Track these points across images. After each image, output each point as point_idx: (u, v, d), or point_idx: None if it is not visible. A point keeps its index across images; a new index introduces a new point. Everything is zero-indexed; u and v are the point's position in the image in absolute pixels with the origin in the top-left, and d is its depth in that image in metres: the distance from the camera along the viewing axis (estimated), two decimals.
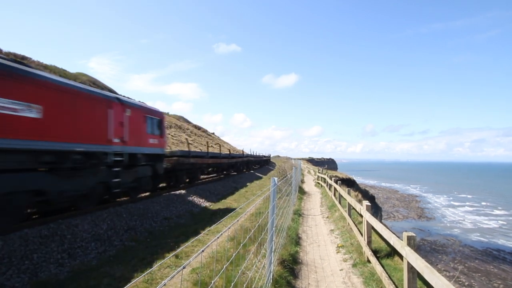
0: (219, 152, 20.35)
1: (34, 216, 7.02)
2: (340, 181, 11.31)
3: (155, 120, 10.36)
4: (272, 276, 4.13)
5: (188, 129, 47.72)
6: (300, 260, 5.69)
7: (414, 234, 3.21)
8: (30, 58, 27.91)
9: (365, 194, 32.41)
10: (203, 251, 1.77)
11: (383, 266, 4.37)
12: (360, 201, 6.46)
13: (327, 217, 9.92)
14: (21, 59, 26.12)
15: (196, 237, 2.75)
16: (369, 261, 5.07)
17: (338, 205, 10.00)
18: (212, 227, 3.31)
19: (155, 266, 2.05)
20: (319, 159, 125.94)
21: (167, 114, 53.23)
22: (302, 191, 16.45)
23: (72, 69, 35.84)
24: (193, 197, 11.27)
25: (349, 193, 7.87)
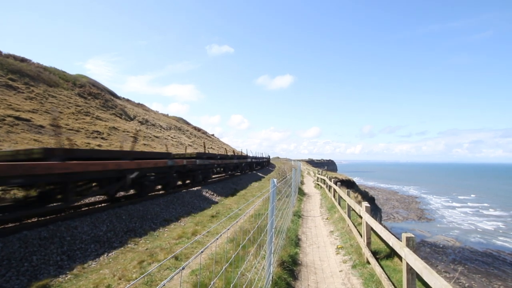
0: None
1: (33, 218, 7.01)
2: (339, 183, 11.32)
3: None
4: (272, 277, 4.13)
5: (187, 130, 47.74)
6: (299, 262, 5.69)
7: (412, 235, 3.22)
8: (30, 60, 27.94)
9: (365, 195, 32.42)
10: (202, 252, 1.78)
11: (382, 267, 4.37)
12: (359, 203, 6.47)
13: (327, 219, 9.92)
14: (21, 61, 26.14)
15: (196, 239, 2.76)
16: (368, 262, 5.08)
17: (338, 207, 10.00)
18: (211, 228, 3.32)
19: (155, 268, 2.06)
20: (319, 160, 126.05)
21: (167, 115, 53.26)
22: (301, 193, 16.46)
23: (69, 70, 35.87)
24: (192, 199, 11.27)
25: (348, 195, 7.88)
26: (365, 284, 4.52)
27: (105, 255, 5.72)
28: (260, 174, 27.73)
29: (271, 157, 64.59)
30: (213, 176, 18.26)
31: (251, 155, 35.29)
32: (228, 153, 25.09)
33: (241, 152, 38.90)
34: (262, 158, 39.72)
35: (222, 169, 19.67)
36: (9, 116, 15.56)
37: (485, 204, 52.01)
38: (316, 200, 14.68)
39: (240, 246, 3.26)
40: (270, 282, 4.01)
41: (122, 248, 6.12)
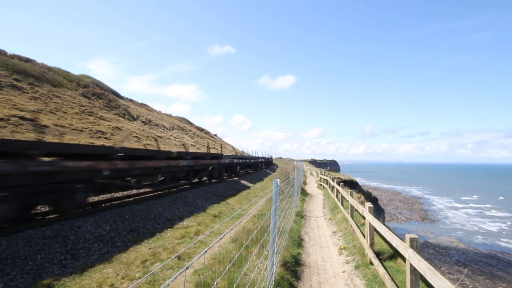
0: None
1: (37, 217, 7.07)
2: (342, 183, 11.28)
3: None
4: (274, 278, 4.13)
5: (190, 130, 47.86)
6: (302, 262, 5.68)
7: (416, 236, 3.21)
8: (35, 61, 28.16)
9: (368, 196, 32.30)
10: (205, 252, 1.78)
11: (385, 268, 4.35)
12: (362, 203, 6.45)
13: (330, 219, 9.90)
14: (26, 61, 26.35)
15: (199, 239, 2.76)
16: (371, 263, 5.06)
17: (341, 207, 9.98)
18: (215, 228, 3.33)
19: (158, 267, 2.06)
20: (322, 160, 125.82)
21: (170, 115, 53.44)
22: (304, 193, 16.43)
23: (73, 71, 36.08)
24: (195, 199, 11.29)
25: (351, 195, 7.86)
26: (368, 285, 4.50)
27: (109, 255, 5.75)
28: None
29: (274, 157, 63.92)
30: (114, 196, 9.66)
31: (254, 155, 33.16)
32: (229, 153, 24.03)
33: (242, 152, 37.77)
34: (256, 158, 28.27)
35: (137, 179, 10.55)
36: (14, 116, 15.70)
37: (489, 205, 51.61)
38: (319, 200, 14.65)
39: (243, 246, 3.26)
40: (273, 282, 4.00)
41: (125, 248, 6.14)
